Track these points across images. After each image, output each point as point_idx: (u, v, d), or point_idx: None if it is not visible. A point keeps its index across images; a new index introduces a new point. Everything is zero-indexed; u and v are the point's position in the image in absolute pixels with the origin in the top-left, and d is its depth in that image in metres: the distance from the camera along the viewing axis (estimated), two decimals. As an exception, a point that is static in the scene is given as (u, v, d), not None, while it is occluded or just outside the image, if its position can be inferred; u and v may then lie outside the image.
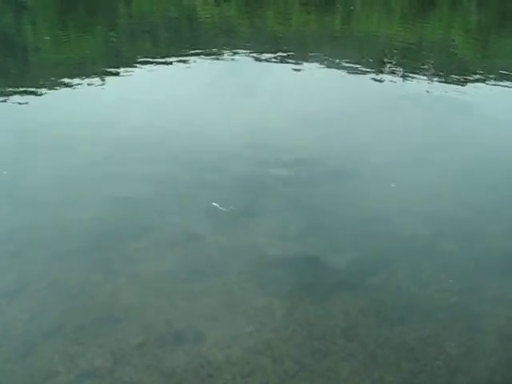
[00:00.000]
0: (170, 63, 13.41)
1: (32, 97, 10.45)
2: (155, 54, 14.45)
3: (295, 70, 13.00)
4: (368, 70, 13.20)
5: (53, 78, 11.99)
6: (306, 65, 13.41)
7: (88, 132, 8.50)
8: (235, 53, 14.50)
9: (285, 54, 14.32)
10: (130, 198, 6.45)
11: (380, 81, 12.28)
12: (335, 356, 4.23)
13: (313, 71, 12.88)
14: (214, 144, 8.10)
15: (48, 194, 6.53)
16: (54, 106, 9.90)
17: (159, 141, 8.16)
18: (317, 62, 13.70)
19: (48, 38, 16.97)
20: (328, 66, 13.26)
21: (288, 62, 13.59)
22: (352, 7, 23.23)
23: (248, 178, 7.09)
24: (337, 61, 13.73)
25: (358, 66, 13.44)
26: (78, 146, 7.97)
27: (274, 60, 13.84)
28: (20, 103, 10.11)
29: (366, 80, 12.28)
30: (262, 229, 5.96)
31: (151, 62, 13.32)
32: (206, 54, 14.14)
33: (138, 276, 5.07)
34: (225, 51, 14.61)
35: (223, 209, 6.18)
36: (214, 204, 6.19)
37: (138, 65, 13.16)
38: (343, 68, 13.10)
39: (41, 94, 10.58)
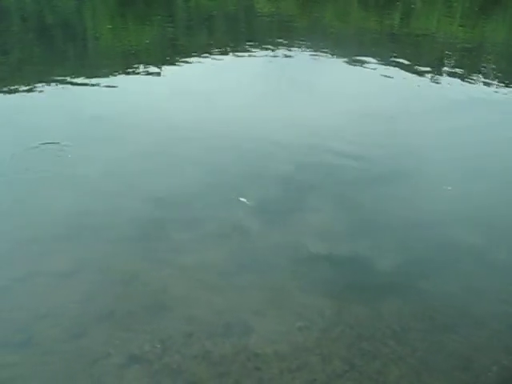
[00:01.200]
0: (226, 56, 13.46)
1: (90, 85, 10.66)
2: (211, 47, 14.56)
3: (351, 67, 12.86)
4: (426, 70, 12.94)
5: (110, 67, 12.23)
6: (362, 63, 13.22)
7: (141, 122, 8.61)
8: (291, 48, 14.45)
9: (341, 51, 14.19)
10: (180, 190, 6.50)
11: (437, 82, 12.01)
12: (385, 358, 4.16)
13: (369, 69, 12.68)
14: (265, 139, 8.06)
15: (103, 181, 6.64)
16: (111, 95, 10.06)
17: (211, 133, 8.20)
18: (374, 60, 13.49)
19: (110, 26, 17.31)
20: (385, 65, 13.04)
21: (344, 60, 13.46)
22: (413, 5, 22.76)
23: (297, 175, 7.03)
24: (394, 60, 13.51)
25: (416, 65, 13.19)
26: (132, 135, 8.08)
27: (330, 57, 13.73)
28: (78, 91, 10.33)
29: (423, 80, 12.04)
30: (312, 226, 5.90)
31: (207, 54, 13.41)
32: (262, 49, 14.15)
33: (187, 267, 5.09)
34: (281, 46, 14.57)
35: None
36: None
37: (193, 56, 13.26)
38: (400, 67, 12.87)
39: (98, 83, 10.77)
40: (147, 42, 15.10)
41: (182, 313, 4.50)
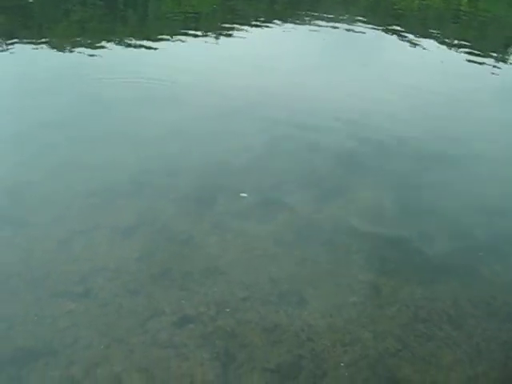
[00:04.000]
0: (286, 26, 13.28)
1: (148, 48, 10.68)
2: (271, 16, 14.38)
3: (412, 47, 12.48)
4: (490, 53, 12.47)
5: (169, 31, 12.22)
6: (424, 43, 12.82)
7: (202, 85, 8.69)
8: (352, 22, 14.12)
9: (403, 30, 13.79)
10: (241, 155, 6.51)
11: (501, 68, 11.52)
12: (439, 342, 4.09)
13: (430, 51, 12.30)
14: (315, 114, 7.92)
15: (164, 142, 6.70)
16: (168, 59, 10.05)
17: (264, 102, 8.16)
18: (437, 39, 13.10)
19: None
20: (447, 47, 12.65)
21: (405, 39, 13.07)
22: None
23: (352, 151, 6.91)
24: (457, 42, 13.07)
25: (480, 48, 12.73)
26: (193, 98, 8.14)
27: (390, 34, 13.38)
28: (138, 51, 10.38)
29: (485, 65, 11.57)
30: (369, 203, 5.81)
31: (267, 23, 13.27)
32: (323, 21, 13.87)
33: (244, 232, 5.11)
34: (341, 20, 14.26)
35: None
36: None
37: (252, 24, 13.11)
38: (464, 49, 12.45)
39: (156, 47, 10.78)
40: (205, 8, 15.00)
41: (237, 278, 4.52)
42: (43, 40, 10.48)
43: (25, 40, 10.40)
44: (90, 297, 4.26)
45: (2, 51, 9.76)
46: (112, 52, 10.21)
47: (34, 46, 10.10)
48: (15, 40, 10.27)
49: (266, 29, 12.84)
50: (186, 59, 9.98)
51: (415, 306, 4.38)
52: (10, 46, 9.97)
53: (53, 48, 10.12)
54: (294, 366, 3.82)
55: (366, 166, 6.58)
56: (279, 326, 4.08)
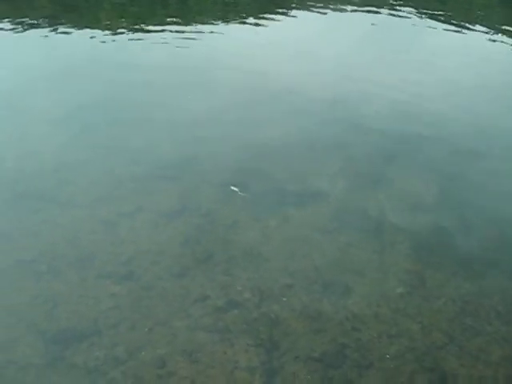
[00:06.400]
0: (324, 14, 13.08)
1: (186, 33, 10.64)
2: (312, 2, 14.20)
3: (452, 35, 12.15)
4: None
5: (208, 17, 12.15)
6: (467, 28, 12.49)
7: (241, 71, 8.57)
8: (395, 7, 13.86)
9: (443, 18, 13.46)
10: (280, 141, 6.43)
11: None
12: (488, 337, 3.99)
13: (471, 39, 11.97)
14: (355, 100, 7.81)
15: (205, 127, 6.67)
16: (206, 45, 9.99)
17: (303, 88, 8.05)
18: (481, 26, 12.74)
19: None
20: (493, 33, 12.28)
21: (446, 26, 12.75)
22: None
23: (389, 141, 6.74)
24: (504, 27, 12.69)
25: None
26: (226, 84, 8.05)
27: (430, 23, 13.06)
28: (174, 38, 10.35)
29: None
30: (414, 194, 5.67)
31: (309, 8, 13.10)
32: (362, 10, 13.64)
33: (287, 219, 5.06)
34: (385, 5, 13.99)
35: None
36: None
37: (292, 11, 12.96)
38: (504, 38, 12.08)
39: (195, 32, 10.73)
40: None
41: (281, 264, 4.48)
42: (85, 24, 10.56)
43: (67, 24, 10.48)
44: (134, 279, 4.28)
45: (44, 35, 9.85)
46: (151, 37, 10.20)
47: (76, 30, 10.17)
48: (58, 24, 10.37)
49: (307, 14, 12.66)
50: (224, 45, 9.92)
51: (462, 301, 4.27)
52: (52, 30, 10.06)
53: (94, 32, 10.16)
54: (338, 356, 3.77)
55: (410, 155, 6.43)
56: (323, 315, 4.03)
